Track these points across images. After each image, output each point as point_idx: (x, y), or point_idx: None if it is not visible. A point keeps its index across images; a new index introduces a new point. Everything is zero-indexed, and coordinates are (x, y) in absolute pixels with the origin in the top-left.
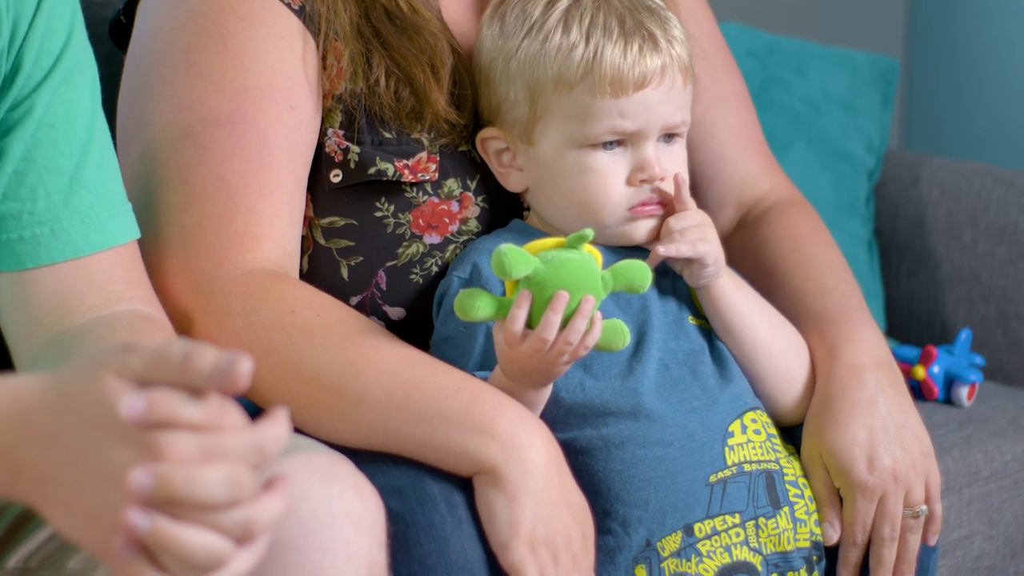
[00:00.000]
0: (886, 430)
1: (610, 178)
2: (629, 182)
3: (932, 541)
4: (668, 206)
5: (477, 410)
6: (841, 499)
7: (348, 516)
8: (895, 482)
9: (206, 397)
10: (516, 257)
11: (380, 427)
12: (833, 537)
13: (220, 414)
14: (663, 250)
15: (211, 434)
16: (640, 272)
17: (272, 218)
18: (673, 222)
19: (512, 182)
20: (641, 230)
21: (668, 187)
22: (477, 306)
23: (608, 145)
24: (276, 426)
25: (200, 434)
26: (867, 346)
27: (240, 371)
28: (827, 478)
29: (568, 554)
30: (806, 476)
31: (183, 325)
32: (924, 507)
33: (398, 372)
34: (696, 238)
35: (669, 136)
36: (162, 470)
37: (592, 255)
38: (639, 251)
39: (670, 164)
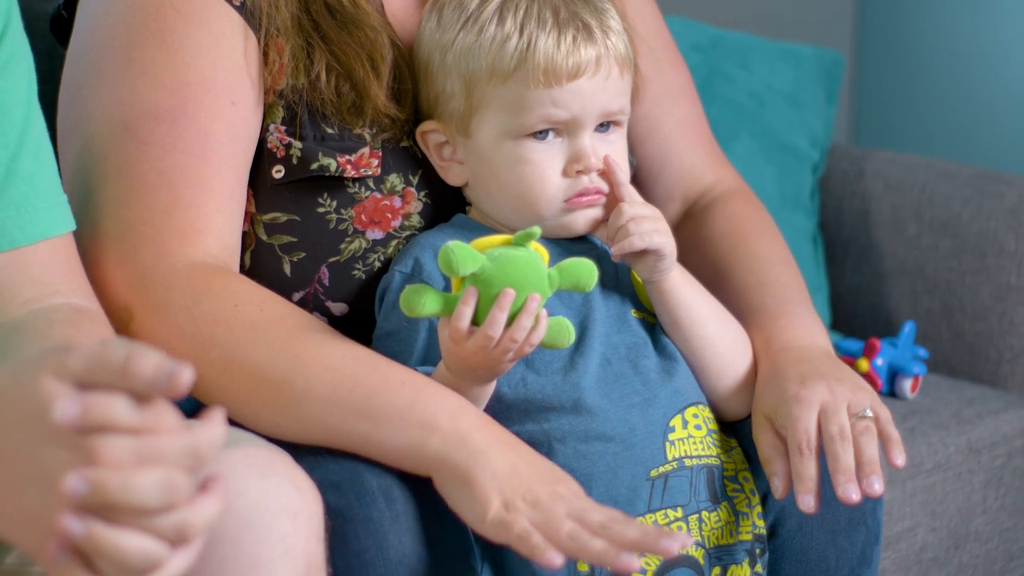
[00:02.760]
0: (818, 370)
1: (546, 169)
2: (565, 173)
3: (899, 460)
4: (609, 196)
5: (419, 405)
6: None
7: (286, 510)
8: (831, 394)
9: (144, 399)
10: (463, 254)
11: (323, 422)
12: (780, 488)
13: (156, 416)
14: (639, 241)
15: (147, 437)
16: (587, 271)
17: (213, 213)
18: (627, 208)
19: (452, 176)
20: (580, 221)
21: (603, 178)
22: (423, 302)
23: (541, 134)
24: (212, 428)
25: (136, 437)
26: (803, 335)
27: (181, 379)
28: (773, 437)
29: (549, 496)
30: (754, 436)
31: (123, 319)
32: (868, 409)
33: (342, 367)
34: (652, 229)
35: (607, 126)
36: (97, 475)
37: (539, 253)
38: (585, 244)
39: (608, 154)
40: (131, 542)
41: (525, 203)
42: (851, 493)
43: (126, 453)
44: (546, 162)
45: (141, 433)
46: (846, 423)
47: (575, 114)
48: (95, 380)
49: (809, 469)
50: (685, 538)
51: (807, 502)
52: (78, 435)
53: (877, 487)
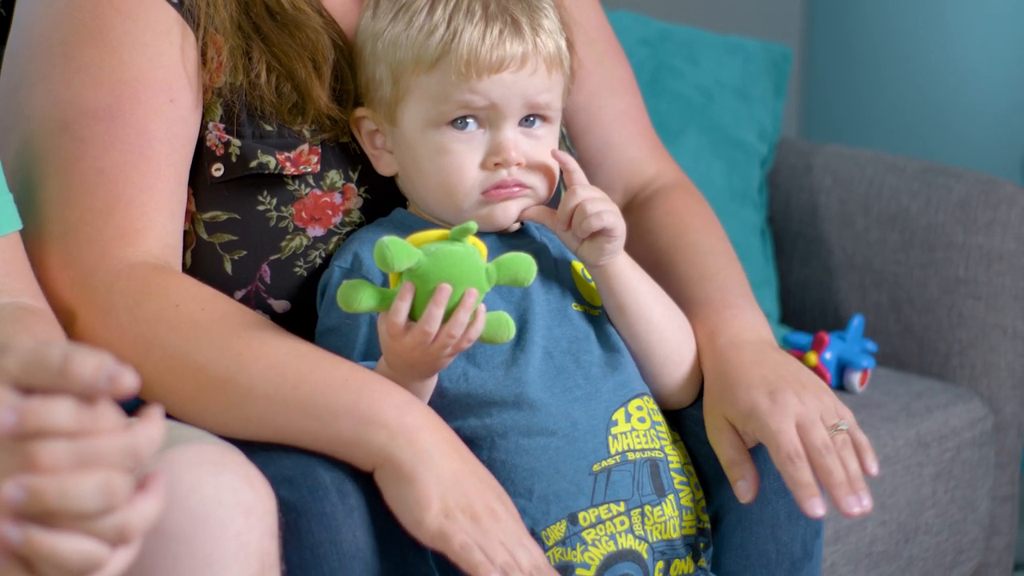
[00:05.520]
0: (780, 375)
1: (464, 160)
2: (484, 165)
3: (874, 469)
4: (535, 191)
5: (364, 400)
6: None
7: (239, 506)
8: (803, 406)
9: (87, 399)
10: (398, 249)
11: (269, 421)
12: (749, 493)
13: (94, 417)
14: (596, 221)
15: (85, 439)
16: (525, 265)
17: (153, 212)
18: (580, 191)
19: (383, 165)
20: (499, 214)
21: (528, 172)
22: (360, 297)
23: (461, 123)
24: (150, 427)
25: (74, 440)
26: (746, 327)
27: (123, 380)
28: (734, 438)
29: (488, 513)
30: (712, 444)
31: (66, 321)
32: (844, 422)
33: (285, 365)
34: (607, 209)
35: (533, 120)
36: (34, 483)
37: (476, 247)
38: (524, 239)
39: (531, 150)
40: (70, 545)
41: (444, 193)
42: (853, 506)
43: (64, 457)
44: (465, 153)
45: (79, 435)
46: (826, 436)
47: (495, 101)
48: (33, 381)
49: (807, 475)
50: None
51: (815, 506)
52: (16, 440)
53: (867, 502)
